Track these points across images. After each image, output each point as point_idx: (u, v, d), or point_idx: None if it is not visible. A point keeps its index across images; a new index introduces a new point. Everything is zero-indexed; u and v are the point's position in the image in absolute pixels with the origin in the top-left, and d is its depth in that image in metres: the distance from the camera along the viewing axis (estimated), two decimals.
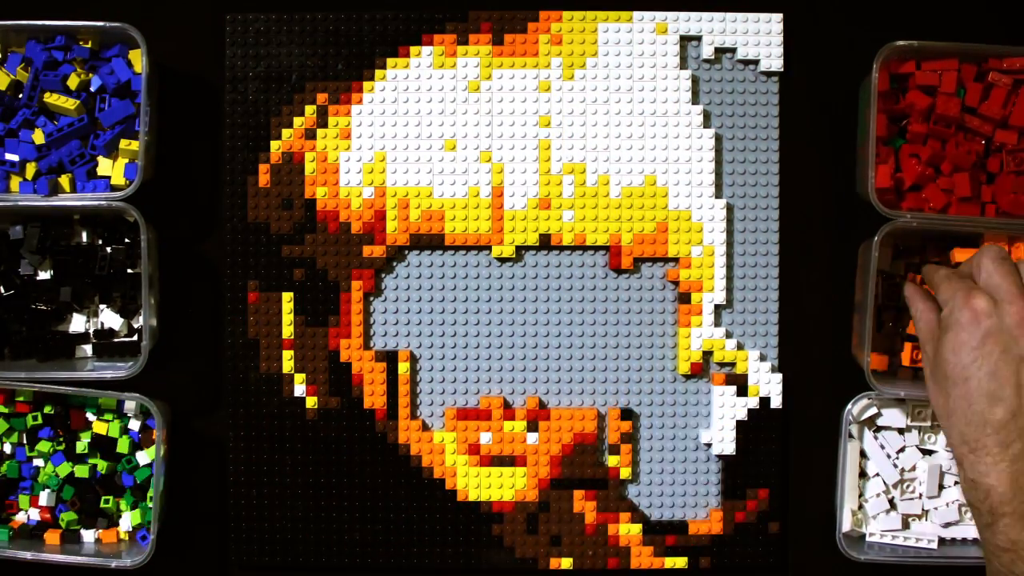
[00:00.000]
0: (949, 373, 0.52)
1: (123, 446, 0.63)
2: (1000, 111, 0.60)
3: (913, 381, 0.62)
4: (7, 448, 0.63)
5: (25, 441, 0.63)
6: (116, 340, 0.63)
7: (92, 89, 0.62)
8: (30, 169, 0.61)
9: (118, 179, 0.61)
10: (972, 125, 0.60)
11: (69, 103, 0.61)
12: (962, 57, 0.61)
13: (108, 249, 0.63)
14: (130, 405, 0.63)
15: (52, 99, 0.61)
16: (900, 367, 0.62)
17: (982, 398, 0.50)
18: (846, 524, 0.62)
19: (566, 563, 0.64)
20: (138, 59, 0.61)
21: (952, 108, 0.60)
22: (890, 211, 0.59)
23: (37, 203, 0.60)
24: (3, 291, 0.63)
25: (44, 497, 0.62)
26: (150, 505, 0.63)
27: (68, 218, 0.63)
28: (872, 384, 0.60)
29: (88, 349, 0.64)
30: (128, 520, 0.63)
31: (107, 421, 0.63)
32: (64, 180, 0.61)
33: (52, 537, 0.63)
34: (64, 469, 0.62)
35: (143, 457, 0.63)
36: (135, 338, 0.63)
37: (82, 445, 0.63)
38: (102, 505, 0.63)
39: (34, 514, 0.63)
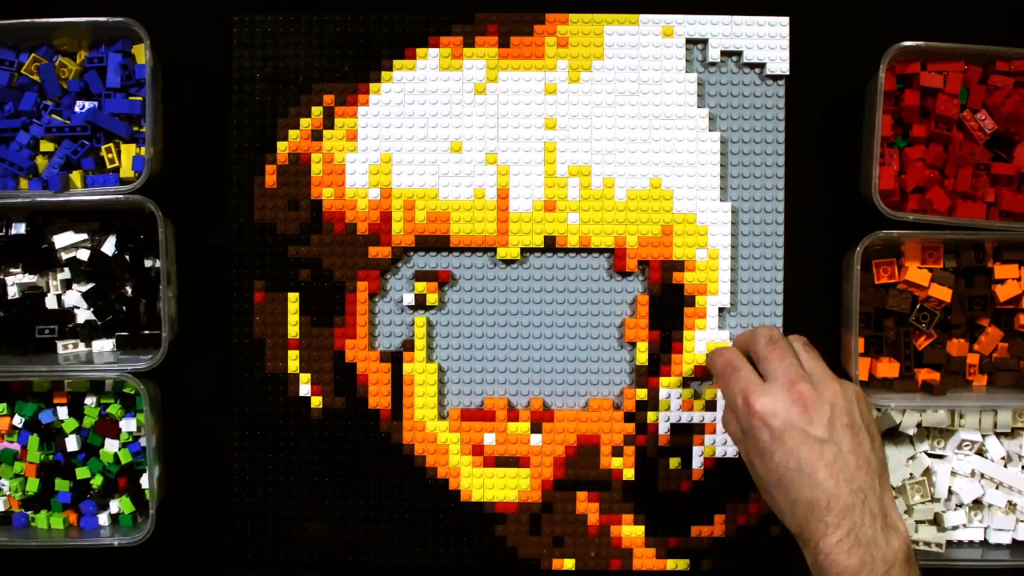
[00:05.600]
0: (766, 479, 0.52)
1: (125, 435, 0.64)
2: (1002, 113, 0.60)
3: (903, 393, 0.62)
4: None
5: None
6: (138, 333, 0.64)
7: (96, 85, 0.62)
8: (41, 164, 0.62)
9: (126, 172, 0.62)
10: (972, 126, 0.60)
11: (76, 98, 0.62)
12: (968, 59, 0.60)
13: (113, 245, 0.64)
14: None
15: (58, 95, 0.62)
16: (897, 379, 0.62)
17: (803, 490, 0.50)
18: None
19: (568, 564, 0.64)
20: (142, 53, 0.61)
21: (952, 109, 0.60)
22: (894, 213, 0.59)
23: (54, 199, 0.61)
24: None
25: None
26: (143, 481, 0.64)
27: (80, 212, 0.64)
28: None
29: (111, 343, 0.64)
30: (117, 505, 0.64)
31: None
32: (76, 176, 0.61)
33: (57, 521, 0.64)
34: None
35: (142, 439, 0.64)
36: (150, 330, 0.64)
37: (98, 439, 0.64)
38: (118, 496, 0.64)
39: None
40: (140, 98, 0.62)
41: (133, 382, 0.60)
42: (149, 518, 0.61)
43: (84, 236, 0.64)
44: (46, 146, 0.62)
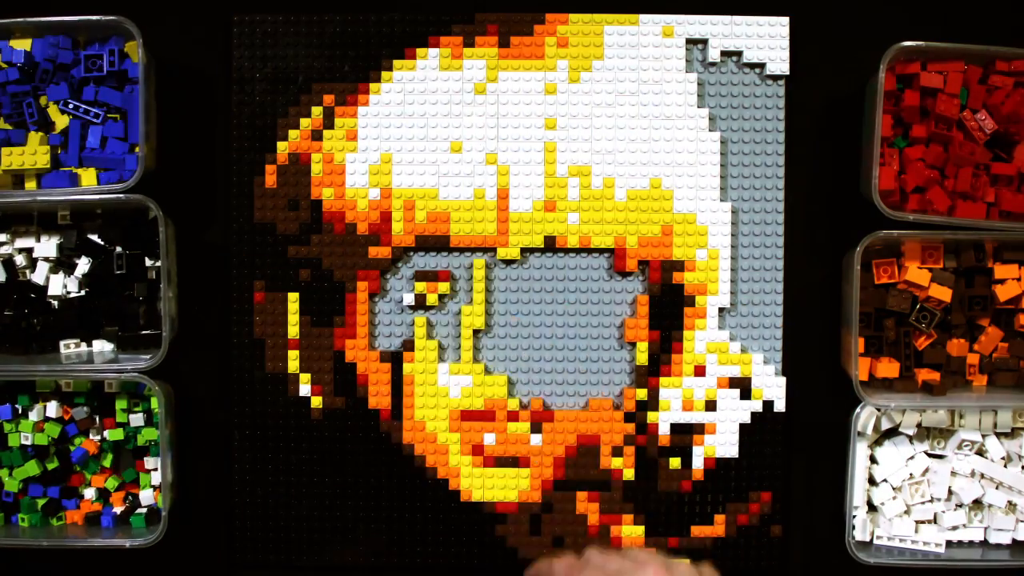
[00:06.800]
0: None
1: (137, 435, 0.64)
2: (1002, 113, 0.60)
3: (903, 393, 0.62)
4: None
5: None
6: (138, 332, 0.64)
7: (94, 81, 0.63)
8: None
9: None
10: (972, 126, 0.60)
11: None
12: (968, 59, 0.60)
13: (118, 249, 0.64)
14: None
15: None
16: (897, 379, 0.62)
17: None
18: (857, 529, 0.62)
19: None
20: (135, 51, 0.61)
21: (952, 109, 0.60)
22: (894, 213, 0.59)
23: (53, 198, 0.61)
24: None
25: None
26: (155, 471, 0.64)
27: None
28: (860, 395, 0.60)
29: (111, 342, 0.65)
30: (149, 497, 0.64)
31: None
32: (85, 173, 0.61)
33: (74, 516, 0.64)
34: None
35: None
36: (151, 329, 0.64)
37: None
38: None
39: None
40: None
41: (148, 383, 0.61)
42: (161, 520, 0.61)
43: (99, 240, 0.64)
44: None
